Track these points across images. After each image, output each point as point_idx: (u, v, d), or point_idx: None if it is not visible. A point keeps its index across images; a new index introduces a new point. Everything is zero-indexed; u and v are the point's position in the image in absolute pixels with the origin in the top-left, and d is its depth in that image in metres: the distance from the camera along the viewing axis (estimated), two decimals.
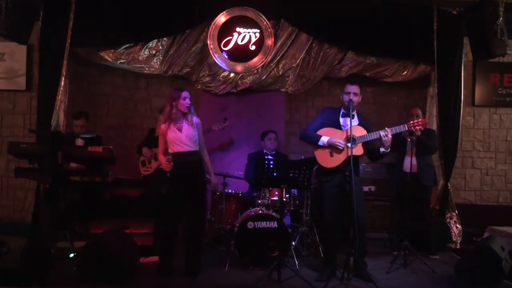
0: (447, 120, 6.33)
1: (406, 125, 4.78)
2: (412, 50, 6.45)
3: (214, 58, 6.39)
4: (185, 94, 4.75)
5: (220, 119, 6.34)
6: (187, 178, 4.72)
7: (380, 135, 4.68)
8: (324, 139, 4.75)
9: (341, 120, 4.88)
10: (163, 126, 4.76)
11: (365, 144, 4.80)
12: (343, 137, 4.75)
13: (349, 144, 4.64)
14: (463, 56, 6.42)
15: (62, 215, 5.46)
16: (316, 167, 4.89)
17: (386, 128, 4.69)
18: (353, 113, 4.77)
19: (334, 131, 4.82)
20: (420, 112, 6.01)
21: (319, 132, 4.82)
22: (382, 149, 4.77)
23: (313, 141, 4.82)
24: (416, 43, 6.40)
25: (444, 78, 6.34)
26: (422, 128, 4.90)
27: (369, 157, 5.03)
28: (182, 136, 4.71)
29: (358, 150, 4.77)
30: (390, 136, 4.67)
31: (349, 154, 4.61)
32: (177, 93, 4.75)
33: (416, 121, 4.83)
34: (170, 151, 4.79)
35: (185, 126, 4.75)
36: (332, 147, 4.75)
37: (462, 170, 7.31)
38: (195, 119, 4.82)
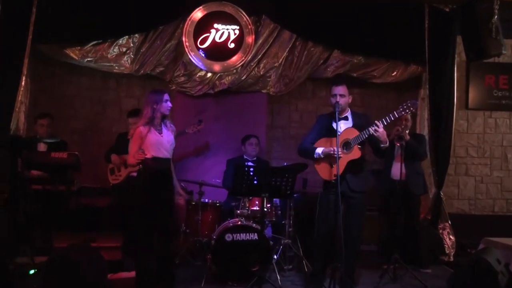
0: (439, 124, 6.29)
1: (395, 112, 4.57)
2: (402, 49, 6.43)
3: (189, 57, 6.30)
4: (166, 96, 4.69)
5: (195, 122, 6.21)
6: (160, 186, 4.58)
7: (370, 132, 4.52)
8: (319, 151, 4.72)
9: (334, 125, 4.72)
10: (142, 129, 4.58)
11: (369, 141, 4.70)
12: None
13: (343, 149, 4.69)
14: (456, 56, 6.40)
15: (22, 228, 5.22)
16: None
17: (376, 122, 4.53)
18: (346, 114, 4.79)
19: (330, 140, 4.74)
20: (409, 116, 5.80)
21: (315, 145, 4.80)
22: (381, 144, 4.69)
23: (310, 155, 4.81)
24: (406, 42, 6.39)
25: (436, 79, 6.31)
26: (414, 110, 4.69)
27: (376, 153, 4.92)
28: (164, 141, 4.63)
29: (355, 153, 4.66)
30: (381, 129, 4.50)
31: (348, 159, 4.63)
32: (159, 95, 4.67)
33: (404, 104, 4.60)
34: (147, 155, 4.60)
35: (164, 130, 4.70)
36: (329, 157, 4.66)
37: (455, 177, 7.31)
38: (173, 126, 4.82)
